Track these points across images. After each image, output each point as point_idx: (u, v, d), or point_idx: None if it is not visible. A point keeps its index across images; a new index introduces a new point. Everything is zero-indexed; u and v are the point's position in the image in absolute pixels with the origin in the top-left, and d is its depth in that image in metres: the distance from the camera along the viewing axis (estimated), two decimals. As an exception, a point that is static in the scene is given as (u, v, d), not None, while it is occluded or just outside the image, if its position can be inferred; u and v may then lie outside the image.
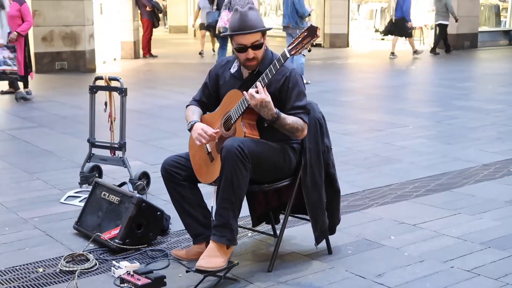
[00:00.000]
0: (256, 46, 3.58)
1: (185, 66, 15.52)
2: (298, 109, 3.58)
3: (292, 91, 3.59)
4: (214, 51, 17.73)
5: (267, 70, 3.45)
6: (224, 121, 3.65)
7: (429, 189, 5.30)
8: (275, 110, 3.45)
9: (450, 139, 7.29)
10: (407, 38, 17.21)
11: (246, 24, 3.55)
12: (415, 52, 17.13)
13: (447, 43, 17.93)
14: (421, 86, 12.50)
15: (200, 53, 17.85)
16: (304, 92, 3.65)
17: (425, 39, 20.98)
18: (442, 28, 17.74)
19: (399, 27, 16.69)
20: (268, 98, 3.40)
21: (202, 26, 17.27)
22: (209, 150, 3.68)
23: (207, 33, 17.29)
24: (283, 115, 3.49)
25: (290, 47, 3.42)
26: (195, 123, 3.69)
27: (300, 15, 11.86)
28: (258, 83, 3.42)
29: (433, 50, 17.89)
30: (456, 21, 17.59)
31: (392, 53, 16.86)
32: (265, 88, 3.42)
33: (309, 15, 12.15)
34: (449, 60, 16.80)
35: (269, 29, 3.69)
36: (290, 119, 3.52)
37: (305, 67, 11.92)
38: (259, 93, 3.38)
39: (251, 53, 3.58)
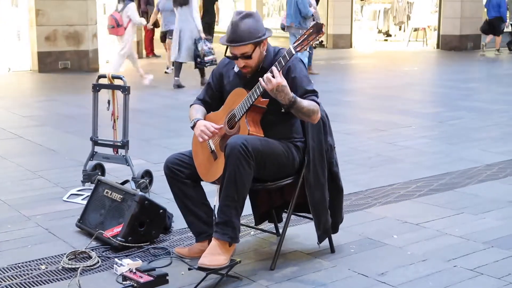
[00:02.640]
0: (246, 57, 3.58)
1: (189, 66, 15.48)
2: (308, 93, 3.58)
3: (298, 79, 3.59)
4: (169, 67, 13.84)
5: (273, 67, 3.42)
6: (228, 119, 3.65)
7: (432, 188, 5.29)
8: (292, 94, 3.43)
9: (453, 139, 7.28)
10: (496, 36, 18.12)
11: (235, 35, 3.53)
12: (497, 50, 18.22)
13: None
14: (424, 86, 12.49)
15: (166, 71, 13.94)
16: (309, 77, 3.66)
17: (428, 40, 20.96)
18: None
19: (493, 25, 17.71)
20: (284, 82, 3.38)
21: (165, 36, 14.18)
22: (213, 148, 3.67)
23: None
24: (299, 99, 3.47)
25: (295, 44, 3.41)
26: (198, 120, 3.69)
27: (303, 16, 11.87)
28: (274, 68, 3.39)
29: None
30: None
31: (498, 50, 18.12)
32: (280, 72, 3.40)
33: (312, 15, 12.14)
34: (452, 61, 16.78)
35: (265, 37, 3.59)
36: (306, 102, 3.50)
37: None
38: (275, 78, 3.36)
39: (241, 62, 3.59)
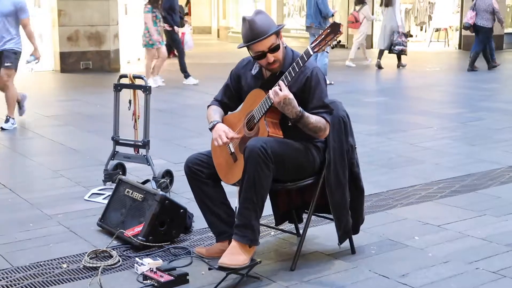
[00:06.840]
0: (274, 49, 3.56)
1: (208, 66, 15.54)
2: (320, 108, 3.56)
3: (314, 91, 3.57)
4: None
5: (290, 68, 3.43)
6: (247, 121, 3.64)
7: (454, 190, 5.25)
8: (299, 108, 3.43)
9: (475, 140, 7.21)
10: None
11: (257, 31, 3.52)
12: None
13: None
14: (445, 87, 12.40)
15: None
16: (326, 91, 3.64)
17: (450, 41, 20.81)
18: None
19: None
20: (291, 95, 3.39)
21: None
22: (232, 150, 3.67)
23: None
24: (306, 113, 3.48)
25: (313, 44, 3.41)
26: (217, 123, 3.68)
27: (323, 16, 11.84)
28: (280, 82, 3.42)
29: None
30: None
31: None
32: (288, 86, 3.41)
33: (333, 15, 12.12)
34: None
35: (282, 27, 3.67)
36: (313, 118, 3.51)
37: (328, 67, 11.90)
38: (282, 91, 3.37)
39: (270, 57, 3.57)
